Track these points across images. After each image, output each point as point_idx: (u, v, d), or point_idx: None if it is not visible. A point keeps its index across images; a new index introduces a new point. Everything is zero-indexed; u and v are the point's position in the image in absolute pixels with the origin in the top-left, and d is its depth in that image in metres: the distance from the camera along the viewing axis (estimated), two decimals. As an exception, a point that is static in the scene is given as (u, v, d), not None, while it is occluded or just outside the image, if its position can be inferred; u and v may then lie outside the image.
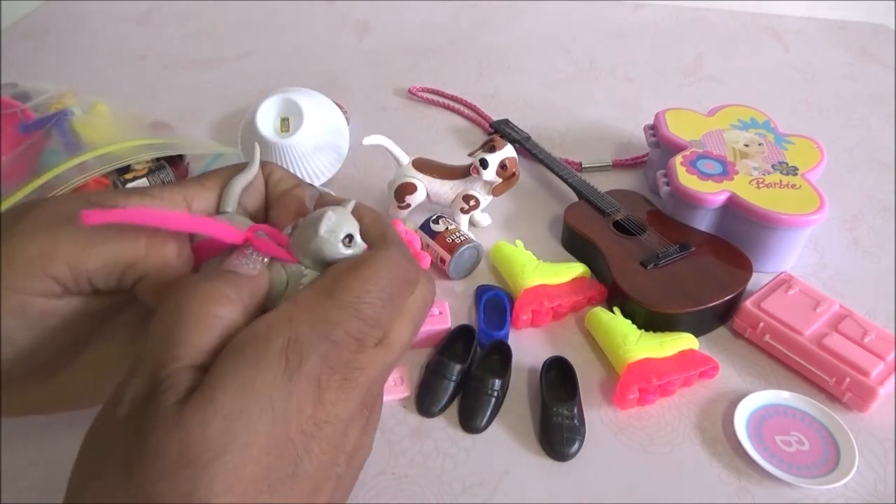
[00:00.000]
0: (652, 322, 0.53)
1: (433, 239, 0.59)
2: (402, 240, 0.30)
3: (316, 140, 0.64)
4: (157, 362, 0.22)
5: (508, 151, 0.61)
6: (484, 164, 0.60)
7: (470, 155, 0.62)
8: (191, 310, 0.24)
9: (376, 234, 0.30)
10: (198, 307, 0.24)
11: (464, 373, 0.50)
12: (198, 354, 0.23)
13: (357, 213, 0.30)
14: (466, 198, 0.62)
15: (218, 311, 0.24)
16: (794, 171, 0.62)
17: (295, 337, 0.23)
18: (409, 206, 0.63)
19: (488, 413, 0.48)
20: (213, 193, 0.31)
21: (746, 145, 0.66)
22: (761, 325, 0.53)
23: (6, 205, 0.56)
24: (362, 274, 0.26)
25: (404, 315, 0.28)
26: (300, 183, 0.33)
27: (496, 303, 0.57)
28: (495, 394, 0.49)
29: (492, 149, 0.60)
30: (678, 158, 0.64)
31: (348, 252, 0.28)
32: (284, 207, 0.32)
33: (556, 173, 0.69)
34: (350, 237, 0.28)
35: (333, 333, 0.24)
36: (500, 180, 0.61)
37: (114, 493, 0.21)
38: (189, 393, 0.22)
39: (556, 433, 0.46)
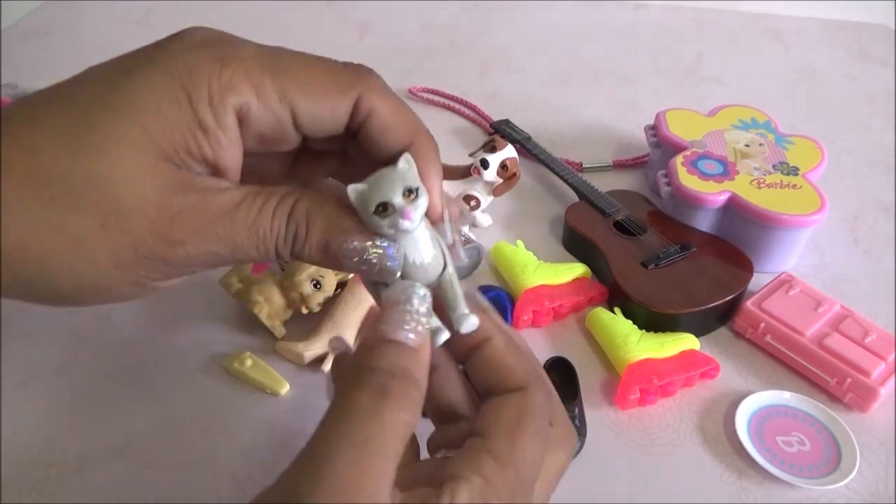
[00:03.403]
0: (653, 322, 0.53)
1: (434, 239, 0.59)
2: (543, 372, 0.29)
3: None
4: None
5: (509, 152, 0.61)
6: (485, 164, 0.60)
7: (471, 155, 0.62)
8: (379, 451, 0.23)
9: (523, 368, 0.28)
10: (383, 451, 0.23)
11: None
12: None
13: (501, 351, 0.29)
14: (467, 198, 0.62)
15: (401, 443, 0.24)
16: (794, 171, 0.62)
17: None
18: (409, 206, 0.63)
19: (489, 413, 0.48)
20: None
21: (747, 145, 0.66)
22: (762, 325, 0.53)
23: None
24: (530, 431, 0.26)
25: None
26: (421, 136, 0.29)
27: (497, 303, 0.57)
28: (496, 394, 0.49)
29: (492, 149, 0.60)
30: (679, 159, 0.64)
31: (385, 222, 0.26)
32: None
33: (557, 173, 0.69)
34: (384, 206, 0.25)
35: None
36: (501, 181, 0.61)
37: None
38: None
39: (557, 434, 0.46)
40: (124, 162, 0.23)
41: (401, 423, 0.23)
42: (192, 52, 0.25)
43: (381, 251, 0.26)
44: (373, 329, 0.26)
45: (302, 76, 0.26)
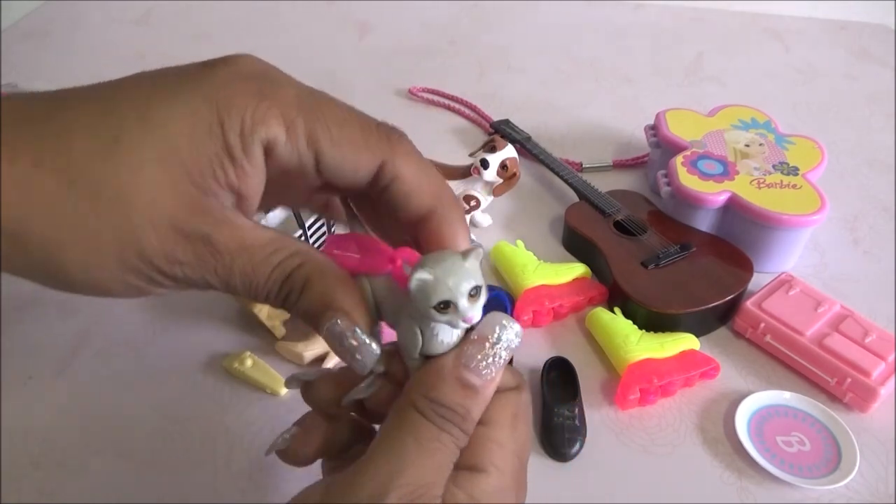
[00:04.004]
0: (653, 322, 0.53)
1: (434, 239, 0.59)
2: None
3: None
4: (414, 489, 0.25)
5: (509, 152, 0.61)
6: (485, 164, 0.60)
7: (471, 155, 0.62)
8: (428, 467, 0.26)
9: (512, 380, 0.29)
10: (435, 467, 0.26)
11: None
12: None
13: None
14: (467, 198, 0.62)
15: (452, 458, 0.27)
16: (794, 171, 0.62)
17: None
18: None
19: (489, 413, 0.48)
20: None
21: (747, 145, 0.66)
22: (762, 325, 0.53)
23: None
24: (525, 422, 0.29)
25: None
26: (444, 204, 0.29)
27: (497, 303, 0.57)
28: (496, 394, 0.49)
29: (492, 149, 0.60)
30: (679, 159, 0.64)
31: (444, 319, 0.25)
32: (432, 240, 0.29)
33: (557, 173, 0.69)
34: (446, 304, 0.24)
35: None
36: (501, 180, 0.61)
37: None
38: None
39: (558, 433, 0.46)
40: (150, 178, 0.24)
41: (456, 451, 0.26)
42: (234, 83, 0.26)
43: (357, 344, 0.26)
44: (453, 356, 0.27)
45: (334, 127, 0.27)
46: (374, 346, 0.27)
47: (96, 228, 0.24)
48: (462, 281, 0.24)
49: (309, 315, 0.27)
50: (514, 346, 0.27)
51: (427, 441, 0.25)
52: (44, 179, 0.24)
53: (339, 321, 0.26)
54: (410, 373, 0.28)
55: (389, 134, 0.29)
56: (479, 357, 0.26)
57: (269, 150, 0.26)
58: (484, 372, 0.26)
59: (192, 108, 0.25)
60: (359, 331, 0.27)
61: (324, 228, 0.59)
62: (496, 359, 0.26)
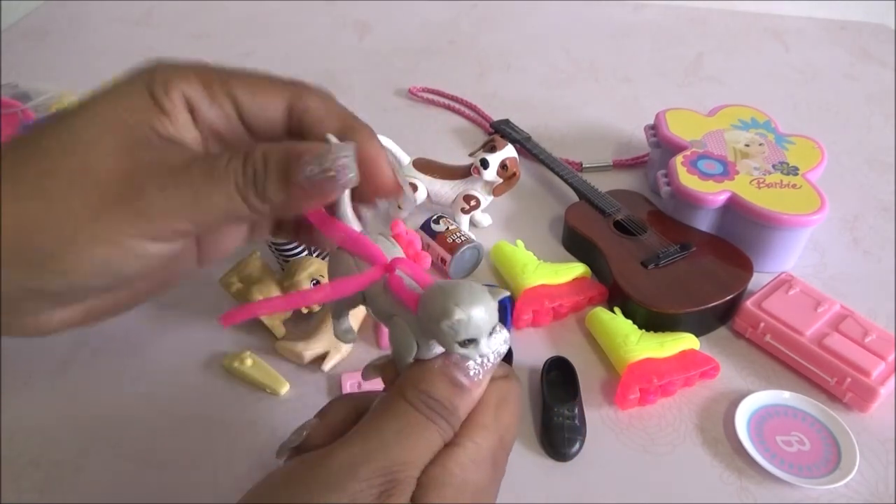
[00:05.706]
0: (653, 322, 0.53)
1: (434, 239, 0.59)
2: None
3: (316, 140, 0.65)
4: (389, 466, 0.26)
5: (509, 151, 0.61)
6: (485, 164, 0.60)
7: (470, 155, 0.62)
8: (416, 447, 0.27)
9: (501, 371, 0.30)
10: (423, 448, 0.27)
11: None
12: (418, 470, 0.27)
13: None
14: (467, 198, 0.62)
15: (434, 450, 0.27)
16: (794, 171, 0.62)
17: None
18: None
19: (489, 413, 0.48)
20: None
21: (747, 145, 0.66)
22: (762, 325, 0.53)
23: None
24: (511, 409, 0.29)
25: None
26: (357, 122, 0.31)
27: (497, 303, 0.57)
28: (496, 394, 0.49)
29: (492, 149, 0.60)
30: (679, 158, 0.64)
31: (463, 352, 0.26)
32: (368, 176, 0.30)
33: (557, 173, 0.69)
34: (471, 341, 0.26)
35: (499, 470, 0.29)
36: (501, 180, 0.61)
37: None
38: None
39: (557, 433, 0.46)
40: (91, 130, 0.27)
41: (440, 442, 0.27)
42: (158, 64, 0.30)
43: (341, 157, 0.26)
44: (443, 355, 0.28)
45: (244, 78, 0.30)
46: (351, 160, 0.27)
47: (54, 189, 0.26)
48: (490, 320, 0.26)
49: (282, 175, 0.27)
50: (501, 351, 0.28)
51: (410, 427, 0.27)
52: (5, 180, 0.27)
53: (309, 153, 0.27)
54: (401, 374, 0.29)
55: (295, 81, 0.31)
56: (468, 363, 0.28)
57: (192, 108, 0.29)
58: (472, 373, 0.28)
59: (124, 82, 0.29)
60: (335, 149, 0.27)
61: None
62: (484, 362, 0.28)
